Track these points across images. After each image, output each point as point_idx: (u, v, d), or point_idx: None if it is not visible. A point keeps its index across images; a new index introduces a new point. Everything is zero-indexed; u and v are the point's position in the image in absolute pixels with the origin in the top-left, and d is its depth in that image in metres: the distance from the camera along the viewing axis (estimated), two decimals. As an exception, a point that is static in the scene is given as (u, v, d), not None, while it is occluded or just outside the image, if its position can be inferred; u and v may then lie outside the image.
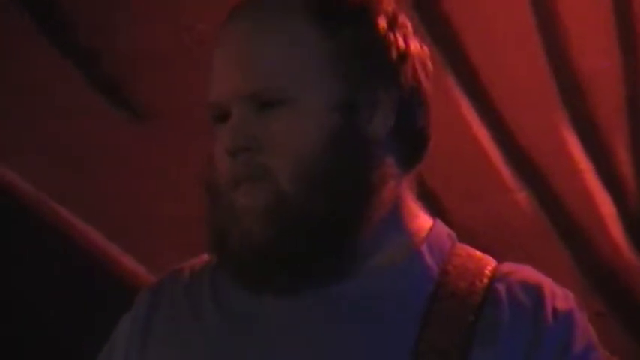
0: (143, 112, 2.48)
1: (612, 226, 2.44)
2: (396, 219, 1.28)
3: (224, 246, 1.24)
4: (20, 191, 2.46)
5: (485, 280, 1.25)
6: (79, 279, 2.44)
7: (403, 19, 1.29)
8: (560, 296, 1.26)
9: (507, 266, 1.29)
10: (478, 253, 1.30)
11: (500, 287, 1.25)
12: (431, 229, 1.30)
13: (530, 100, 2.45)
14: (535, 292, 1.25)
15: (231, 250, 1.24)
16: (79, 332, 2.45)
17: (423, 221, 1.30)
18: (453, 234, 1.33)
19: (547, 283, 1.26)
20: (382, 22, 1.26)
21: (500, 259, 1.32)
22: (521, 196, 2.43)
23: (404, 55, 1.27)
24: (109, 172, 2.46)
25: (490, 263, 1.29)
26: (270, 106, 1.23)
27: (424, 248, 1.28)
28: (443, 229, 1.32)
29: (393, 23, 1.27)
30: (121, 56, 2.51)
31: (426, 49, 1.32)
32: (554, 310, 1.25)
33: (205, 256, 1.34)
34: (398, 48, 1.26)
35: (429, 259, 1.27)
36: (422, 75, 1.30)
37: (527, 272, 1.28)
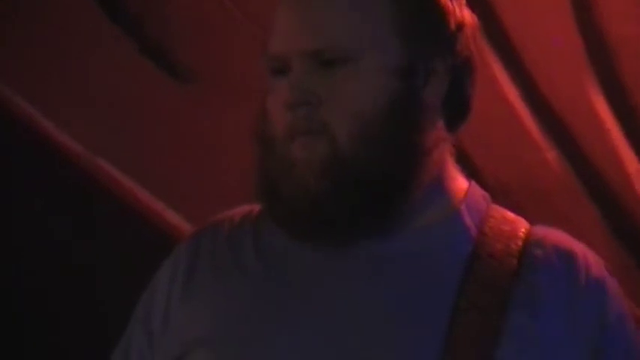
0: (187, 76, 2.48)
1: (638, 182, 2.41)
2: (440, 181, 1.30)
3: (276, 195, 1.25)
4: (69, 148, 2.49)
5: (520, 243, 1.27)
6: (125, 232, 2.47)
7: None
8: (592, 263, 1.26)
9: (540, 230, 1.29)
10: (511, 215, 1.31)
11: (536, 252, 1.26)
12: (467, 190, 1.31)
13: (561, 63, 2.42)
14: (569, 257, 1.26)
15: (285, 199, 1.25)
16: (127, 284, 2.41)
17: (460, 183, 1.31)
18: (488, 195, 1.34)
19: (580, 249, 1.27)
20: None
21: (531, 215, 1.35)
22: (551, 154, 2.41)
23: (460, 25, 1.28)
24: (154, 131, 2.49)
25: (523, 225, 1.30)
26: (332, 65, 1.23)
27: (463, 209, 1.29)
28: (478, 190, 1.33)
29: None
30: (166, 22, 2.52)
31: (475, 19, 1.33)
32: (588, 277, 1.25)
33: (244, 208, 1.36)
34: (456, 18, 1.27)
35: (467, 220, 1.28)
36: (473, 45, 1.31)
37: (561, 237, 1.29)
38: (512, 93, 2.41)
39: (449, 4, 1.28)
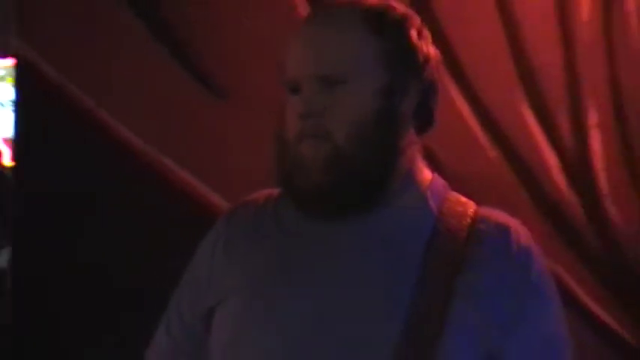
0: (224, 93, 2.46)
1: (556, 173, 2.41)
2: (412, 173, 1.28)
3: (290, 184, 1.25)
4: (135, 147, 2.47)
5: (469, 220, 1.25)
6: (179, 212, 2.43)
7: (426, 31, 1.29)
8: (522, 235, 1.27)
9: (485, 210, 1.30)
10: (463, 198, 1.31)
11: (481, 226, 1.25)
12: (431, 180, 1.30)
13: (499, 84, 2.43)
14: (505, 231, 1.26)
15: (296, 187, 1.24)
16: (179, 254, 2.30)
17: (426, 174, 1.30)
18: (446, 184, 1.34)
19: (514, 224, 1.27)
20: (414, 34, 1.25)
21: (478, 198, 1.33)
22: (493, 153, 2.39)
23: (427, 59, 1.27)
24: (202, 135, 2.48)
25: (472, 206, 1.30)
26: (334, 85, 1.22)
27: (428, 195, 1.28)
28: (440, 180, 1.33)
29: (420, 34, 1.27)
30: (211, 51, 2.53)
31: (438, 54, 1.32)
32: (518, 245, 1.25)
33: (266, 191, 1.36)
34: (423, 53, 1.27)
35: (431, 203, 1.27)
36: (436, 73, 1.31)
37: (499, 215, 1.29)
38: (464, 109, 2.43)
39: (418, 42, 1.26)
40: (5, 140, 4.94)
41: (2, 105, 5.73)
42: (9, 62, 4.05)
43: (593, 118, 2.51)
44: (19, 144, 2.72)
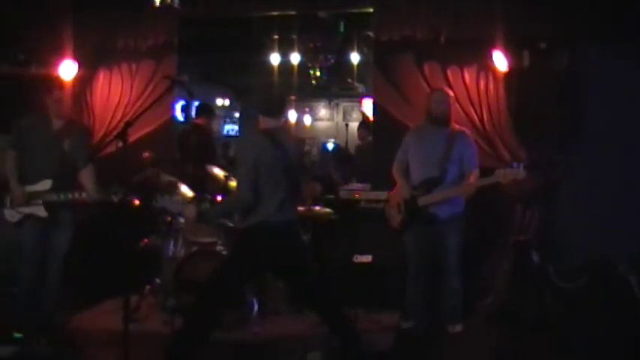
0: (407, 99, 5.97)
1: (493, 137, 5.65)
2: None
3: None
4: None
5: (456, 130, 5.15)
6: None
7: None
8: (468, 132, 5.24)
9: (459, 127, 5.16)
10: (456, 125, 5.15)
11: (458, 131, 5.15)
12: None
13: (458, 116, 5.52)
14: (463, 132, 5.20)
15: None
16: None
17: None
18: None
19: (467, 130, 5.22)
20: None
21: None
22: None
23: None
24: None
25: (458, 126, 5.13)
26: None
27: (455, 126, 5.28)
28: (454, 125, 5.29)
29: None
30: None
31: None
32: (467, 136, 5.20)
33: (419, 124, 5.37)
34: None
35: (453, 127, 5.19)
36: None
37: (462, 128, 5.20)
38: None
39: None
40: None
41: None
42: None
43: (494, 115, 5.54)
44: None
